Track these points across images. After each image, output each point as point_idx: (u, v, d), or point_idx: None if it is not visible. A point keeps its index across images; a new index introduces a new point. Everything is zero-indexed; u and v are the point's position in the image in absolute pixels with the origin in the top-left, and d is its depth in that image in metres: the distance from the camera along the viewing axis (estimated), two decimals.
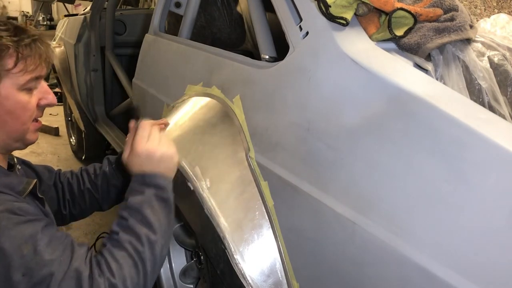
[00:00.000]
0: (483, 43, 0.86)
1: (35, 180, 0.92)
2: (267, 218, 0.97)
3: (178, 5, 1.74)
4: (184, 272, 1.55)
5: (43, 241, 0.79)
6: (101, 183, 1.19)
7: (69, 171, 1.23)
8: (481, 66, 0.82)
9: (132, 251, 0.84)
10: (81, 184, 1.19)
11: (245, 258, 0.95)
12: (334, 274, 0.82)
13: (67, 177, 1.19)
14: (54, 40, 3.59)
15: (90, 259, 0.82)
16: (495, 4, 1.05)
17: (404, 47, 0.85)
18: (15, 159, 1.02)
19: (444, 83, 0.80)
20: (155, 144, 0.94)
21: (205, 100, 1.21)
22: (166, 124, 1.10)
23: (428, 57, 0.83)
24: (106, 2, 2.87)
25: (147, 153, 0.93)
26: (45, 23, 12.33)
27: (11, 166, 0.98)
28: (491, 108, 0.80)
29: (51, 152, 3.69)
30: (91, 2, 2.92)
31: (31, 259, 0.77)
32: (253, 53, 2.13)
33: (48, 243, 0.80)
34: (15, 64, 0.85)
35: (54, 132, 4.13)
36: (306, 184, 0.85)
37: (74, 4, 5.57)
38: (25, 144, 0.95)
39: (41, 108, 0.94)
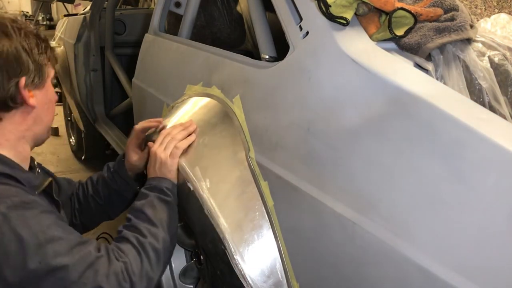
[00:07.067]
0: (483, 43, 0.86)
1: (50, 179, 0.99)
2: (267, 218, 0.97)
3: (178, 4, 1.74)
4: (184, 272, 1.54)
5: (58, 232, 0.85)
6: (102, 189, 1.24)
7: (78, 181, 1.30)
8: (481, 66, 0.81)
9: (135, 242, 0.93)
10: (85, 191, 1.25)
11: (245, 259, 0.95)
12: (334, 274, 0.82)
13: (75, 187, 1.26)
14: (54, 40, 3.59)
15: (104, 248, 0.90)
16: (495, 4, 1.04)
17: (404, 47, 0.85)
18: (35, 163, 1.06)
19: (444, 83, 0.80)
20: (159, 148, 1.08)
21: (205, 100, 1.21)
22: (164, 126, 1.18)
23: (429, 57, 0.83)
24: (106, 2, 2.86)
25: (151, 154, 1.09)
26: (44, 23, 12.32)
27: (30, 168, 1.02)
28: (492, 108, 0.80)
29: (51, 152, 3.69)
30: (91, 2, 2.91)
31: (48, 248, 0.82)
32: (253, 53, 2.13)
33: (62, 234, 0.85)
34: (53, 67, 1.00)
35: (54, 132, 4.13)
36: (306, 184, 0.85)
37: (74, 4, 5.56)
38: (44, 139, 1.03)
39: None
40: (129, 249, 0.92)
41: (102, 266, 0.85)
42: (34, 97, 0.93)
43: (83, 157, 3.40)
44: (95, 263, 0.84)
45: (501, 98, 0.80)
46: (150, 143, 1.16)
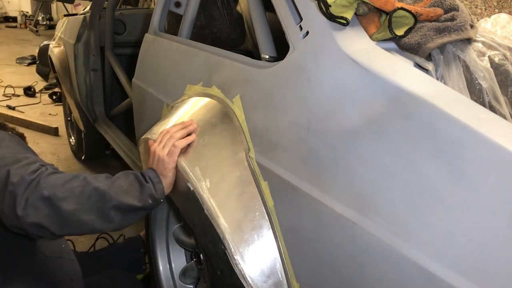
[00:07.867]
0: (483, 43, 0.86)
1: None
2: (267, 218, 0.97)
3: (178, 4, 1.73)
4: (184, 273, 1.54)
5: (19, 150, 1.14)
6: None
7: None
8: (481, 66, 0.81)
9: (77, 175, 1.06)
10: None
11: (245, 259, 0.95)
12: (334, 274, 0.82)
13: None
14: (54, 40, 3.59)
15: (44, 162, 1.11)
16: (495, 4, 1.05)
17: (404, 47, 0.85)
18: None
19: (444, 83, 0.80)
20: (158, 147, 1.12)
21: (205, 100, 1.21)
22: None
23: (429, 57, 0.83)
24: (106, 2, 2.86)
25: (150, 152, 1.14)
26: (44, 22, 12.33)
27: None
28: (492, 108, 0.80)
29: (51, 152, 3.69)
30: (91, 2, 2.91)
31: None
32: (253, 53, 2.13)
33: (18, 151, 1.13)
34: None
35: (54, 132, 4.12)
36: (306, 184, 0.85)
37: (74, 3, 5.56)
38: None
39: None
40: (66, 174, 1.07)
41: (24, 162, 1.06)
42: None
43: (83, 157, 3.39)
44: (21, 159, 1.07)
45: (501, 98, 0.80)
46: (150, 141, 1.17)
